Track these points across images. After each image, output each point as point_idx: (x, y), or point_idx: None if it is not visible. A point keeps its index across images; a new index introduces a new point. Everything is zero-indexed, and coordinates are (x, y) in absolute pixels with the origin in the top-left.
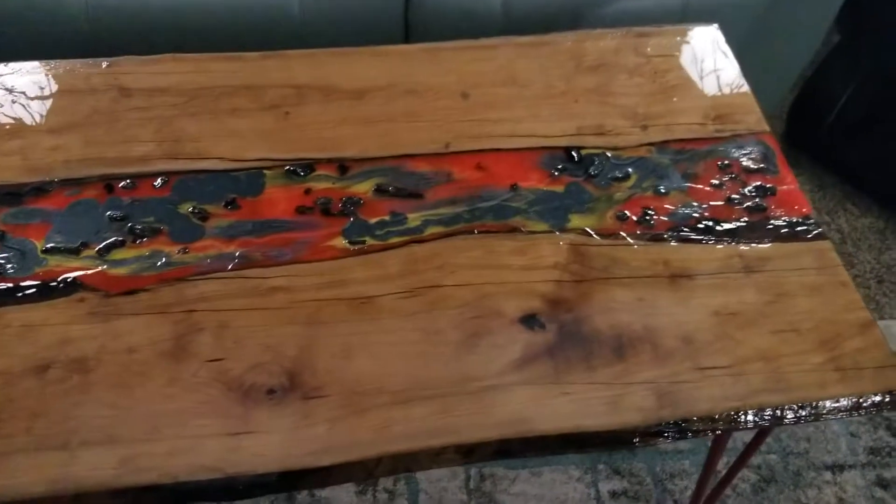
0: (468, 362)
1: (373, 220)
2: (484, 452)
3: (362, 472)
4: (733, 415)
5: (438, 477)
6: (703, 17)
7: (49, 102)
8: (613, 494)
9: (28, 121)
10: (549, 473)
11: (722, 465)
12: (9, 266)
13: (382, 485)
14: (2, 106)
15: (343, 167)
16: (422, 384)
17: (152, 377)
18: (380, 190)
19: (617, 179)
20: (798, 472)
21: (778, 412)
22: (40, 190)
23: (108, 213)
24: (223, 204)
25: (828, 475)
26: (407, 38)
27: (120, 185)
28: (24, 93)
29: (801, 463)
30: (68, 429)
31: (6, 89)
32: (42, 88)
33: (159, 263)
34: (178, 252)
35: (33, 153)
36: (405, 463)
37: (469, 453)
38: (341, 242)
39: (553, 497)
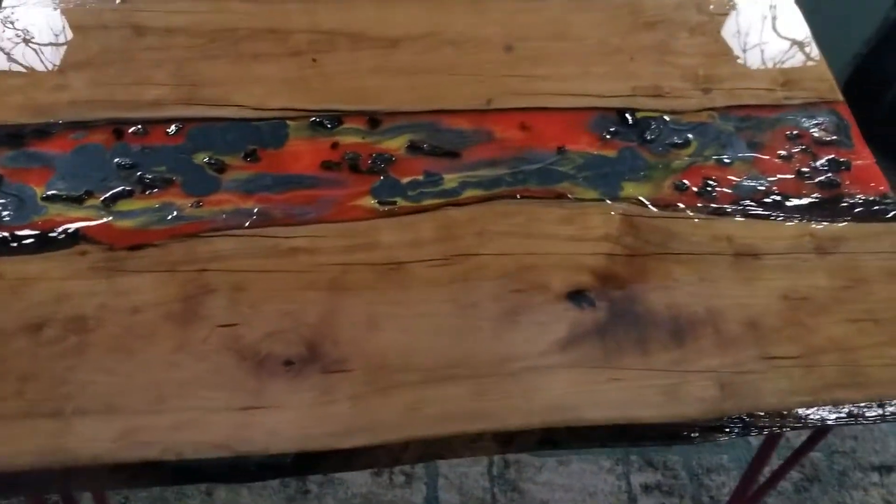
0: (507, 340)
1: (405, 180)
2: (525, 442)
3: (387, 457)
4: (804, 411)
5: (459, 461)
6: None
7: (57, 39)
8: (646, 488)
9: (32, 58)
10: (578, 463)
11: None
12: (5, 213)
13: (400, 467)
14: (6, 41)
15: (374, 121)
16: (455, 362)
17: (157, 341)
18: (413, 147)
19: (675, 146)
20: (844, 472)
21: (855, 409)
22: (43, 132)
23: (116, 160)
24: (242, 155)
25: (875, 476)
26: None
27: (130, 131)
28: (29, 29)
29: (847, 462)
30: (63, 395)
31: (11, 24)
32: (50, 24)
33: (170, 217)
34: (191, 206)
35: (37, 92)
36: (436, 449)
37: (508, 442)
38: (370, 202)
39: (581, 488)
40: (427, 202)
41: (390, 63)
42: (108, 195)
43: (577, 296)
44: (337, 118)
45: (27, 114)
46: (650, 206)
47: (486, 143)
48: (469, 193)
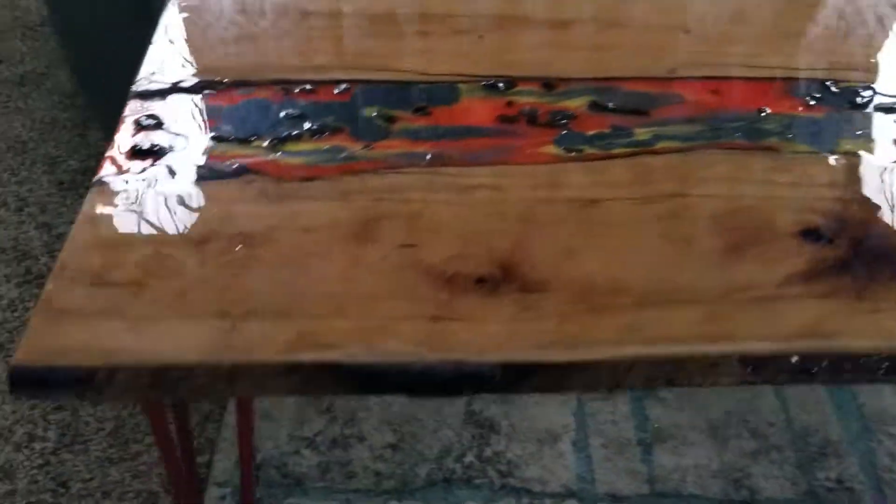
0: (735, 271)
1: (590, 132)
2: (777, 369)
3: (609, 376)
4: None
5: None
6: None
7: (222, 19)
8: None
9: (198, 35)
10: None
11: None
12: (168, 148)
13: None
14: (176, 20)
15: (548, 85)
16: (676, 288)
17: (331, 259)
18: (596, 105)
19: (888, 110)
20: None
21: None
22: (209, 86)
23: (283, 112)
24: (412, 110)
25: None
26: None
27: (296, 90)
28: (197, 7)
29: None
30: (230, 299)
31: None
32: (217, 5)
33: (341, 156)
34: (362, 148)
35: (203, 58)
36: (666, 372)
37: (756, 368)
38: (554, 149)
39: None
40: (618, 150)
41: (561, 40)
42: (275, 138)
43: (810, 233)
44: (510, 82)
45: (195, 73)
46: (871, 158)
47: (677, 105)
48: (664, 145)
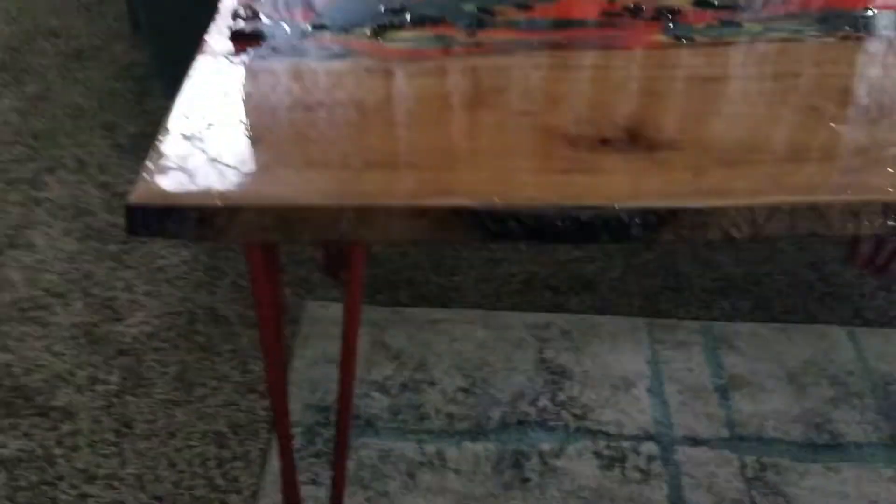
0: (866, 134)
1: (698, 25)
2: None
3: (746, 221)
4: None
5: (704, 460)
6: None
7: None
8: None
9: None
10: (851, 470)
11: None
12: (271, 35)
13: (634, 462)
14: None
15: None
16: (810, 148)
17: (448, 122)
18: (701, 2)
19: None
20: None
21: None
22: None
23: (383, 5)
24: (513, 5)
25: None
26: None
27: None
28: None
29: None
30: (351, 152)
31: None
32: None
33: (444, 42)
34: (465, 35)
35: None
36: (807, 218)
37: None
38: (664, 37)
39: (858, 496)
40: (729, 39)
41: None
42: (376, 26)
43: None
44: None
45: None
46: None
47: (784, 4)
48: (775, 35)
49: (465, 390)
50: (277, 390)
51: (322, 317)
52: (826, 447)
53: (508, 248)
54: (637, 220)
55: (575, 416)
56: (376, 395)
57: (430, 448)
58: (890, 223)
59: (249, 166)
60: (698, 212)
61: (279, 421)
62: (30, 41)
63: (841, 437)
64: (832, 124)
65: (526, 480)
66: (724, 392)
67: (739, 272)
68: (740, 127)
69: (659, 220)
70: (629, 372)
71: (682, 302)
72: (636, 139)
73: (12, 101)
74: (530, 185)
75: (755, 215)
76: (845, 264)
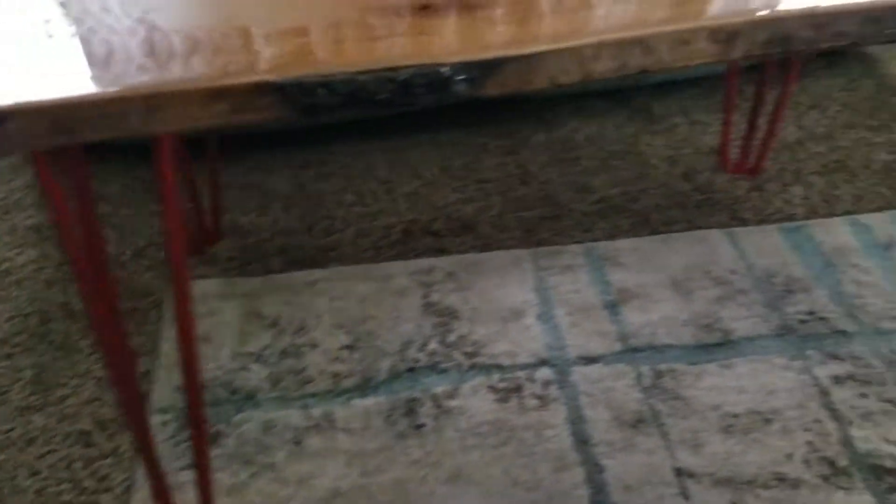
0: None
1: None
2: (752, 39)
3: (578, 65)
4: None
5: (600, 376)
6: None
7: None
8: (837, 379)
9: None
10: (745, 365)
11: None
12: None
13: (530, 390)
14: None
15: None
16: None
17: None
18: None
19: None
20: None
21: None
22: None
23: None
24: None
25: None
26: None
27: None
28: None
29: None
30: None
31: None
32: None
33: None
34: None
35: None
36: (636, 55)
37: (730, 39)
38: None
39: (758, 388)
40: None
41: None
42: None
43: None
44: None
45: None
46: None
47: None
48: None
49: (349, 347)
50: (120, 365)
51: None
52: (718, 346)
53: (384, 199)
54: (460, 76)
55: (466, 354)
56: (254, 366)
57: (317, 411)
58: (718, 46)
59: (15, 71)
60: (523, 58)
61: (128, 409)
62: None
63: (731, 333)
64: None
65: (420, 426)
66: (613, 307)
67: (616, 192)
68: None
69: (482, 72)
70: (518, 303)
71: (563, 229)
72: (459, 2)
73: None
74: (343, 54)
75: (582, 56)
76: (717, 171)
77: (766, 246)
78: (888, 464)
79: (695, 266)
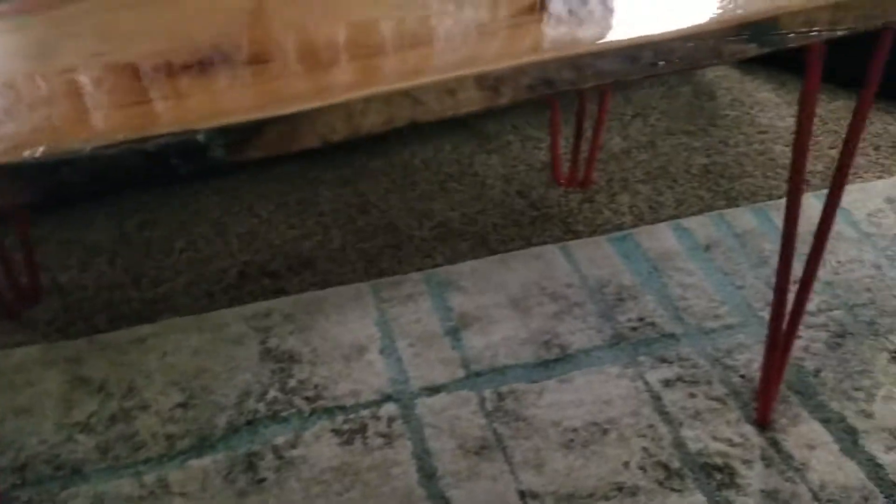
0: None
1: None
2: (517, 84)
3: (340, 120)
4: None
5: (443, 406)
6: None
7: None
8: (667, 383)
9: None
10: (582, 377)
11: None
12: None
13: (375, 429)
14: None
15: None
16: (403, 34)
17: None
18: None
19: None
20: (872, 322)
21: None
22: None
23: None
24: None
25: None
26: None
27: None
28: None
29: (870, 313)
30: None
31: None
32: None
33: None
34: None
35: None
36: (405, 108)
37: (496, 86)
38: None
39: (595, 399)
40: None
41: None
42: None
43: None
44: None
45: None
46: None
47: None
48: None
49: (182, 405)
50: None
51: (5, 366)
52: (556, 361)
53: (217, 242)
54: (218, 141)
55: (307, 399)
56: (80, 437)
57: (150, 478)
58: (485, 93)
59: None
60: (284, 118)
61: None
62: None
63: (568, 347)
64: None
65: (261, 481)
66: (454, 333)
67: (455, 215)
68: (332, 30)
69: (241, 136)
70: (360, 338)
71: (404, 257)
72: (221, 61)
73: None
74: (92, 126)
75: (350, 112)
76: (550, 186)
77: (597, 257)
78: (717, 461)
79: (532, 283)
